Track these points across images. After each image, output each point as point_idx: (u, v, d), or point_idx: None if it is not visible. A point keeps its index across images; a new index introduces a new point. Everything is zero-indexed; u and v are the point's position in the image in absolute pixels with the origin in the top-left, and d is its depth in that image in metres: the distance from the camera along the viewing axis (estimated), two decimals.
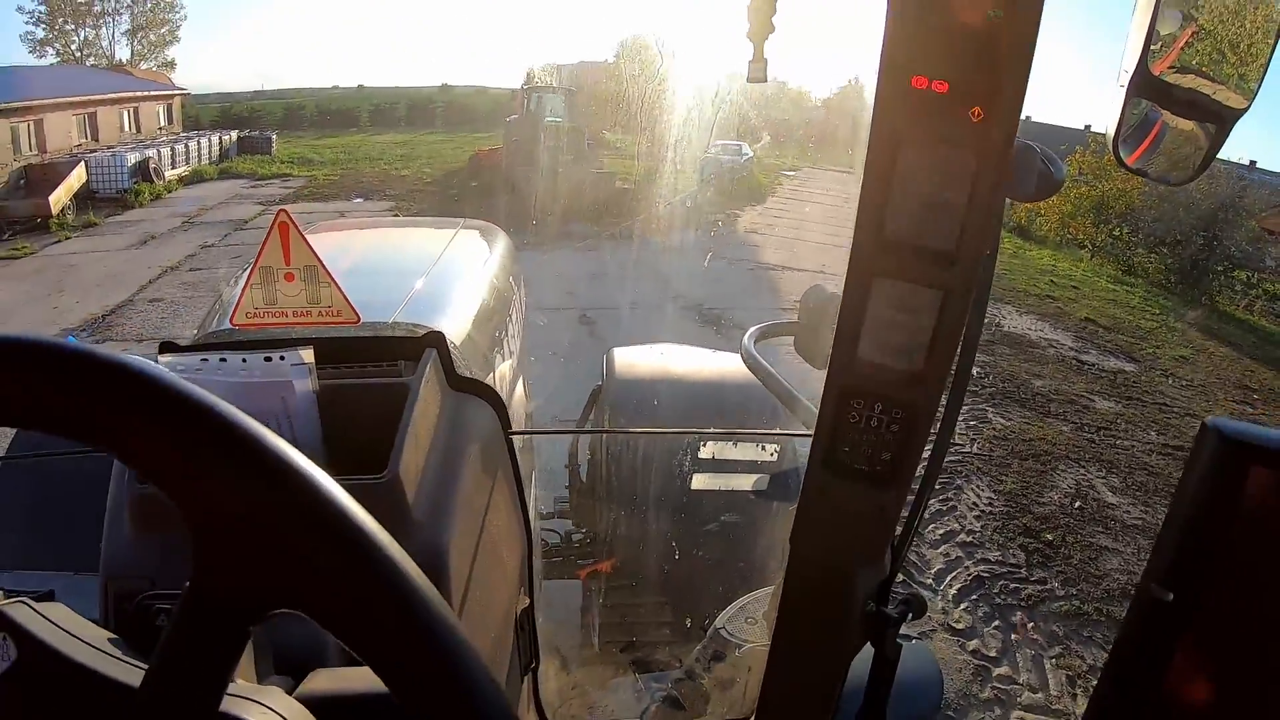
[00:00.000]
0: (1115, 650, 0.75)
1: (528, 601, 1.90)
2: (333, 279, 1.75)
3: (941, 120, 0.82)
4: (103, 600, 1.37)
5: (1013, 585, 5.92)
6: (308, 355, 1.57)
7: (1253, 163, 27.61)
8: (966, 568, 6.05)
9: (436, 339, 1.75)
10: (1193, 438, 0.66)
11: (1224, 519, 0.69)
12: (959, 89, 0.81)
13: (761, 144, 23.34)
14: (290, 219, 1.71)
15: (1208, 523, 0.70)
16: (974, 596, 5.74)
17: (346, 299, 1.76)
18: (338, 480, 0.58)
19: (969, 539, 6.43)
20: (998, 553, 6.31)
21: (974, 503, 6.98)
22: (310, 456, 0.58)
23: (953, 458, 7.70)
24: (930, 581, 5.81)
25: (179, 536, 0.56)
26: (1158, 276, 20.96)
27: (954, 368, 0.94)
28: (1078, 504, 7.23)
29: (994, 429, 8.64)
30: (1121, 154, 0.96)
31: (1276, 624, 0.70)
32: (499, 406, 1.80)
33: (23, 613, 0.69)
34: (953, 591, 5.75)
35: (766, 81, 1.11)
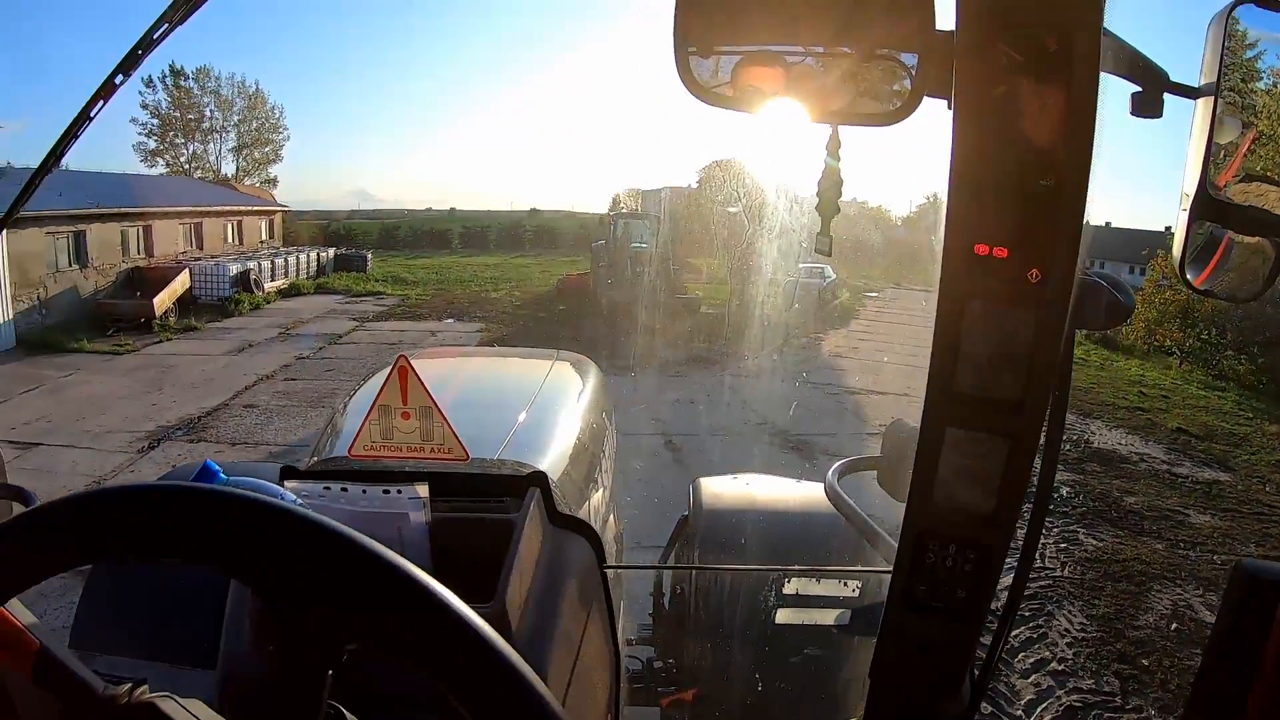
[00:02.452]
0: None
1: None
2: (445, 419, 1.89)
3: (1003, 283, 0.90)
4: (219, 698, 1.48)
5: (1106, 715, 5.63)
6: (423, 490, 1.70)
7: None
8: (1058, 697, 5.77)
9: (540, 479, 1.87)
10: None
11: (1255, 652, 0.74)
12: (1018, 254, 0.89)
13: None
14: (409, 364, 1.88)
15: (1242, 659, 0.75)
16: None
17: (457, 438, 1.90)
18: None
19: (1061, 667, 6.15)
20: (1091, 681, 6.02)
21: (1065, 629, 6.68)
22: None
23: (1043, 582, 7.43)
24: (1020, 714, 5.56)
25: None
26: (1250, 379, 20.07)
27: (1027, 505, 1.01)
28: (1174, 626, 6.87)
29: (1085, 550, 8.32)
30: (1189, 276, 1.00)
31: None
32: (595, 542, 1.90)
33: (171, 707, 0.81)
34: None
35: (830, 255, 1.22)
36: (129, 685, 0.81)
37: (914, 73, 0.92)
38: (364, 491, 1.71)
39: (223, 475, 1.83)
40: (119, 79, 1.73)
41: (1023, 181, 0.87)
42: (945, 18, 0.89)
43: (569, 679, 1.61)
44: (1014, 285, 0.90)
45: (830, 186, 1.16)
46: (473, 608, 1.47)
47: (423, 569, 1.76)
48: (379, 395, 1.89)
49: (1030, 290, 0.89)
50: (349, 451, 1.97)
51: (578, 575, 1.78)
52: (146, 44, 1.69)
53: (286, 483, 1.75)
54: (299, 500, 1.76)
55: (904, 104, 0.93)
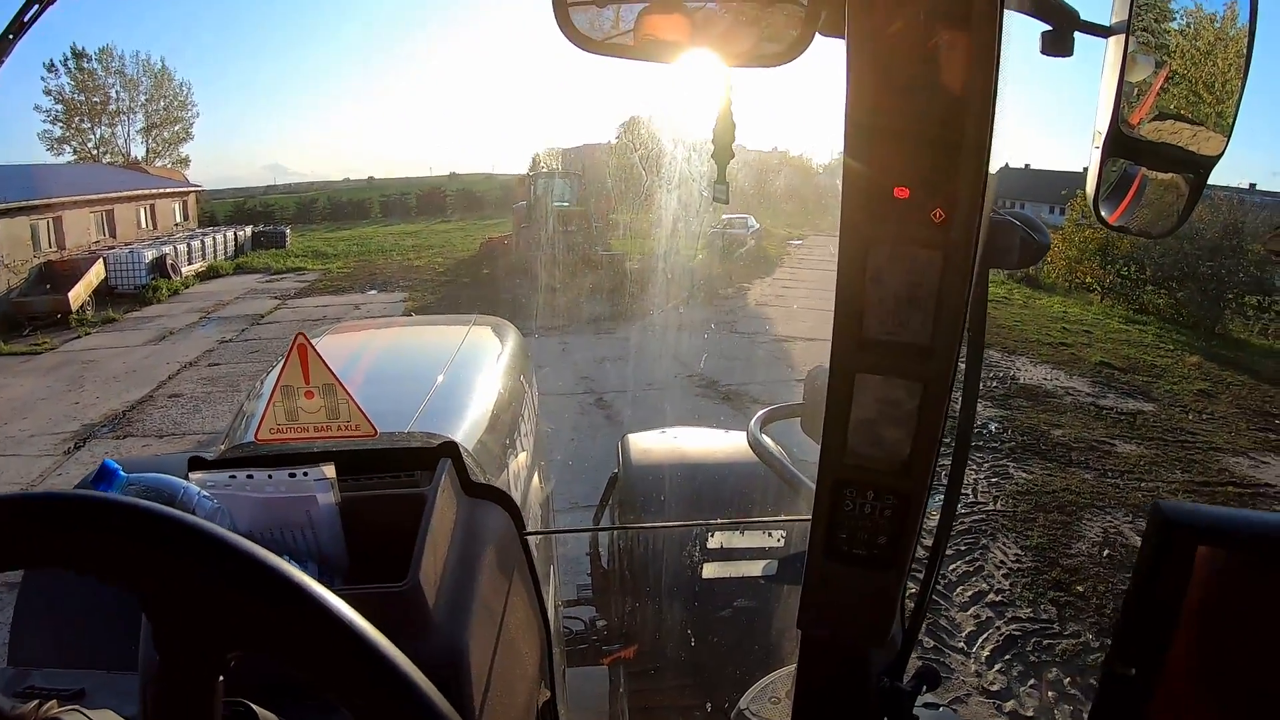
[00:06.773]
0: None
1: (549, 694, 1.92)
2: (350, 395, 1.81)
3: (905, 223, 0.87)
4: (142, 704, 1.42)
5: (1046, 642, 5.83)
6: (329, 470, 1.63)
7: (1252, 185, 27.76)
8: (998, 628, 5.96)
9: (450, 449, 1.81)
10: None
11: (1176, 596, 0.73)
12: (919, 193, 0.86)
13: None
14: (308, 341, 1.79)
15: (1161, 601, 0.74)
16: (1007, 656, 5.65)
17: (364, 413, 1.82)
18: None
19: (998, 598, 6.35)
20: (1028, 610, 6.22)
21: (1001, 561, 6.90)
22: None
23: (977, 516, 7.64)
24: (962, 645, 5.73)
25: None
26: (1169, 312, 20.93)
27: (940, 449, 0.99)
28: (1106, 552, 7.13)
29: (1016, 484, 8.57)
30: (1103, 213, 0.99)
31: (1231, 691, 0.75)
32: (513, 510, 1.86)
33: None
34: (985, 654, 5.66)
35: (729, 203, 1.18)
36: (36, 702, 0.77)
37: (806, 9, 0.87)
38: (270, 476, 1.64)
39: (122, 474, 1.72)
40: None
41: (922, 120, 0.84)
42: None
43: (493, 651, 1.57)
44: (917, 226, 0.87)
45: (724, 132, 1.12)
46: (387, 588, 1.42)
47: (335, 551, 1.70)
48: (280, 376, 1.81)
49: (935, 230, 0.86)
50: (255, 436, 1.88)
51: (495, 545, 1.74)
52: (17, 27, 1.57)
53: (193, 474, 1.67)
54: (204, 491, 1.68)
55: (793, 43, 0.88)
